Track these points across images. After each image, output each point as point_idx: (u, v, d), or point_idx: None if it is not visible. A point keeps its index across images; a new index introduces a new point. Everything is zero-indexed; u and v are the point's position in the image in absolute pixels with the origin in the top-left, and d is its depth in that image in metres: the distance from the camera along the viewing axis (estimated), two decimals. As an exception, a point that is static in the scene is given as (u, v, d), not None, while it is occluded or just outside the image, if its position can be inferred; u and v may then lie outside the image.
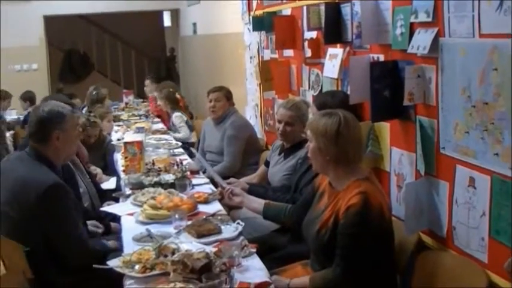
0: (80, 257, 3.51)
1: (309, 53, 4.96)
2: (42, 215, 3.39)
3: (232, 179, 4.39)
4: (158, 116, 8.98)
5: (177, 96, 8.43)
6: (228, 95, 6.22)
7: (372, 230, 2.95)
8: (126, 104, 10.26)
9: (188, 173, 4.89)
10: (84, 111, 7.49)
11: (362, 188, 3.00)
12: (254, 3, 6.71)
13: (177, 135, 7.55)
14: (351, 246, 2.96)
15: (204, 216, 3.88)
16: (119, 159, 5.83)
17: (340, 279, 2.99)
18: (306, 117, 4.57)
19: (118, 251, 3.60)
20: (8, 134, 7.59)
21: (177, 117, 7.92)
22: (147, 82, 10.91)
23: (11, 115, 9.86)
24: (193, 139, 7.76)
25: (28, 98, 10.22)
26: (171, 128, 8.03)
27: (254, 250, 3.28)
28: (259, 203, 3.83)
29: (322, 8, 4.55)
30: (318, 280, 3.10)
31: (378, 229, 2.99)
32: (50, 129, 3.59)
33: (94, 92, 8.67)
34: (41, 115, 3.62)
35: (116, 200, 4.62)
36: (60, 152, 3.67)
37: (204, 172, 5.30)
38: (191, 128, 7.95)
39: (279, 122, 4.61)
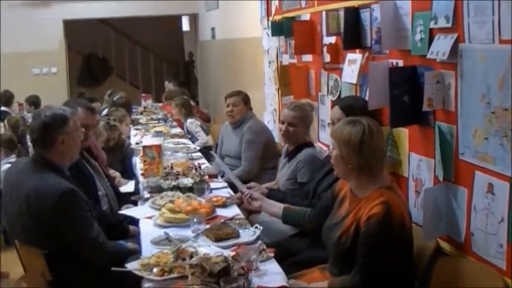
0: (98, 258, 3.55)
1: (327, 58, 4.97)
2: (58, 221, 3.44)
3: (252, 183, 4.39)
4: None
5: (192, 103, 8.51)
6: (245, 100, 6.24)
7: (392, 240, 2.95)
8: (145, 107, 10.32)
9: (206, 177, 4.90)
10: (104, 113, 7.56)
11: (384, 198, 2.99)
12: (273, 8, 6.73)
13: (196, 143, 7.57)
14: (371, 255, 2.96)
15: (222, 220, 3.89)
16: (138, 162, 5.86)
17: (359, 286, 2.99)
18: (309, 119, 4.72)
19: (137, 252, 3.63)
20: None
21: (192, 123, 7.96)
22: (170, 85, 11.03)
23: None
24: (210, 143, 7.77)
25: (33, 101, 10.32)
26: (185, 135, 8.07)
27: (272, 254, 3.28)
28: (278, 207, 3.84)
29: (341, 13, 4.55)
30: (336, 286, 3.10)
31: (399, 239, 2.99)
32: (55, 134, 3.58)
33: (117, 96, 8.74)
34: (43, 121, 3.58)
35: (135, 203, 4.64)
36: (66, 155, 3.68)
37: (222, 176, 5.32)
38: (206, 132, 7.98)
39: (282, 122, 4.72)
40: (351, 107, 3.89)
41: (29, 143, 7.04)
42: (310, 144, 4.83)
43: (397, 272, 3.02)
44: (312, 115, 4.74)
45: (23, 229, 3.52)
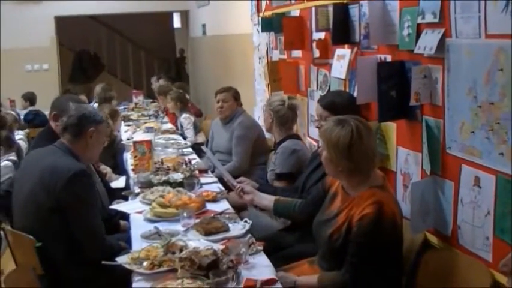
0: (94, 249, 3.57)
1: (317, 53, 4.99)
2: (67, 199, 3.51)
3: (242, 178, 4.41)
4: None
5: (187, 97, 8.53)
6: (235, 96, 6.27)
7: (383, 240, 2.97)
8: (136, 104, 10.32)
9: (196, 172, 4.93)
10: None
11: (376, 198, 3.00)
12: (263, 4, 6.74)
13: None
14: (361, 255, 2.98)
15: (212, 215, 3.91)
16: (129, 158, 5.88)
17: (348, 285, 3.02)
18: (273, 110, 4.93)
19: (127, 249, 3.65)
20: (23, 132, 7.67)
21: (185, 118, 7.98)
22: (161, 81, 11.05)
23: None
24: (201, 139, 7.78)
25: (29, 98, 10.36)
26: (178, 129, 8.08)
27: (261, 248, 3.30)
28: (269, 200, 3.86)
29: (330, 9, 4.57)
30: (326, 281, 3.13)
31: (390, 239, 3.01)
32: (88, 125, 3.78)
33: (101, 91, 8.75)
34: (83, 112, 3.83)
35: (125, 199, 4.66)
36: (87, 151, 3.85)
37: (212, 171, 5.34)
38: (198, 129, 7.99)
39: None
40: (332, 103, 3.92)
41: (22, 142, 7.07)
42: (294, 137, 4.91)
43: (387, 269, 3.05)
44: (276, 107, 4.91)
45: (33, 207, 3.59)
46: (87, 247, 3.57)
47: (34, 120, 9.36)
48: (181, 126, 8.01)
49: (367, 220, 2.95)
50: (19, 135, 7.26)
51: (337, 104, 3.88)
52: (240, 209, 4.75)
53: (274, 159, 4.84)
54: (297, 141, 4.89)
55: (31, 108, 10.07)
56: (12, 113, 7.67)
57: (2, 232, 3.93)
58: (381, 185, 3.12)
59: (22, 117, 9.57)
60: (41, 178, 3.58)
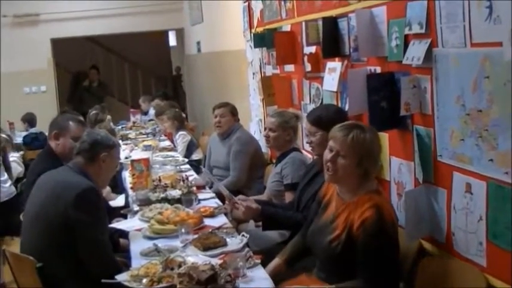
0: (101, 263, 3.58)
1: (309, 67, 5.04)
2: (76, 214, 3.53)
3: (241, 196, 4.36)
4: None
5: (183, 115, 8.55)
6: (233, 111, 6.31)
7: (390, 240, 3.02)
8: (134, 122, 10.36)
9: (194, 188, 4.94)
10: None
11: (374, 201, 3.04)
12: (255, 20, 6.81)
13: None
14: (377, 259, 2.99)
15: (210, 230, 3.94)
16: (127, 176, 5.91)
17: None
18: (289, 125, 4.83)
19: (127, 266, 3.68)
20: (18, 154, 7.69)
21: (180, 135, 7.94)
22: (157, 100, 11.04)
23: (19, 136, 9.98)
24: (199, 156, 7.76)
25: (28, 119, 10.37)
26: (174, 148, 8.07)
27: (259, 261, 3.34)
28: None
29: (320, 23, 4.61)
30: None
31: (394, 239, 3.06)
32: (100, 150, 3.86)
33: (93, 112, 8.76)
34: (96, 137, 3.92)
35: (125, 217, 4.69)
36: (101, 175, 3.92)
37: (210, 187, 5.37)
38: (195, 147, 7.97)
39: (265, 129, 5.02)
40: (319, 118, 3.90)
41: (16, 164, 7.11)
42: (297, 150, 4.93)
43: (395, 273, 3.10)
44: (294, 123, 4.84)
45: (43, 220, 3.62)
46: (93, 263, 3.56)
47: (32, 143, 9.38)
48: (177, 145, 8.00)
49: (370, 223, 2.98)
50: (13, 158, 7.29)
51: (323, 118, 3.85)
52: (239, 222, 4.78)
53: (279, 170, 4.82)
54: (300, 154, 4.92)
55: (32, 130, 10.03)
56: (3, 135, 7.64)
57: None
58: (376, 190, 3.17)
59: (21, 139, 9.62)
60: (52, 193, 3.65)
